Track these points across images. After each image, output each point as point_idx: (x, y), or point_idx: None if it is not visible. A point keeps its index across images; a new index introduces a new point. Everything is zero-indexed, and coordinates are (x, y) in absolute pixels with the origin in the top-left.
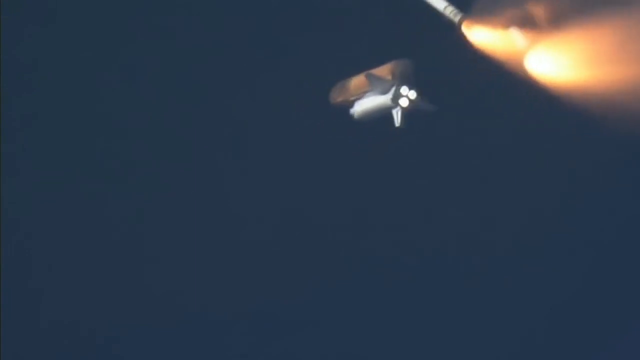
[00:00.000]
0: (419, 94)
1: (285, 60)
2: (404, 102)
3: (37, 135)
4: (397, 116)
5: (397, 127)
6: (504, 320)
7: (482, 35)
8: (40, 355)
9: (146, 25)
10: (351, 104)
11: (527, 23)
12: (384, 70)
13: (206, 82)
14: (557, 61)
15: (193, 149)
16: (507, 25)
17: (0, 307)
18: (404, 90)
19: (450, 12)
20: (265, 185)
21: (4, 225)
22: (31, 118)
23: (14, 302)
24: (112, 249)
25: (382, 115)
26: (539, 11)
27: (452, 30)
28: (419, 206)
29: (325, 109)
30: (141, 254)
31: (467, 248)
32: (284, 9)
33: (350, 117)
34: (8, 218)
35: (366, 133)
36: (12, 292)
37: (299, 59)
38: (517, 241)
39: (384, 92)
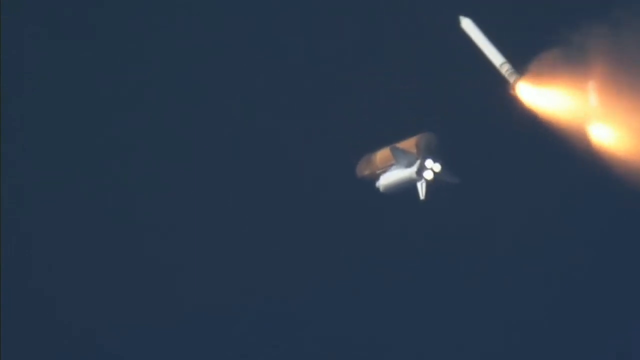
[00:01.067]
0: (442, 166)
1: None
2: (428, 175)
3: (37, 135)
4: (421, 189)
5: (422, 200)
6: (503, 320)
7: (541, 96)
8: (40, 355)
9: (146, 26)
10: (377, 177)
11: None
12: (409, 144)
13: (206, 82)
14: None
15: (193, 149)
16: (569, 87)
17: (0, 307)
18: (429, 163)
19: (506, 70)
20: (265, 185)
21: (4, 225)
22: (31, 118)
23: (14, 302)
24: (112, 248)
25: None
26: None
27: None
28: (419, 206)
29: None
30: (141, 254)
31: (467, 248)
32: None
33: (377, 189)
34: (8, 218)
35: None
36: (12, 291)
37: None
38: (517, 241)
39: (409, 165)
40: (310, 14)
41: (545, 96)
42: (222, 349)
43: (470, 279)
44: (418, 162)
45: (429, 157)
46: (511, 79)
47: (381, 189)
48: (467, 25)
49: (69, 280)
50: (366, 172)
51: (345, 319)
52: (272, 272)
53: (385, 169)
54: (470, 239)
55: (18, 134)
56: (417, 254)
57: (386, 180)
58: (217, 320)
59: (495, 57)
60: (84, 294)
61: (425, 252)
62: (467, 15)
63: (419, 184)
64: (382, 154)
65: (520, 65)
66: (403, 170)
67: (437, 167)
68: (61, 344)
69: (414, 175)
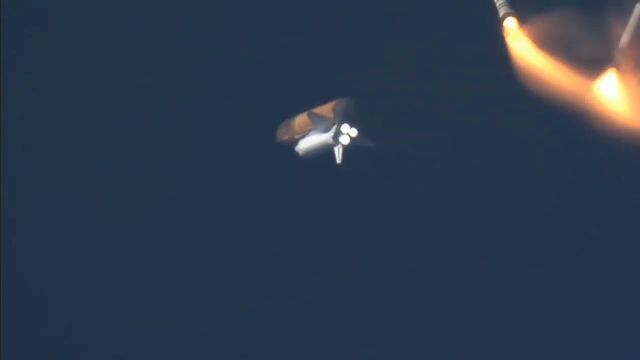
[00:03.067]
0: (359, 131)
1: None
2: (344, 140)
3: (37, 135)
4: (338, 153)
5: (338, 164)
6: (503, 319)
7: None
8: (40, 355)
9: (146, 26)
10: (297, 141)
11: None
12: (326, 109)
13: (206, 82)
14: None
15: (193, 149)
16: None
17: (0, 307)
18: (345, 128)
19: (499, 3)
20: (264, 185)
21: (4, 225)
22: (31, 118)
23: (14, 302)
24: (112, 248)
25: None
26: None
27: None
28: (418, 206)
29: None
30: (141, 254)
31: (467, 248)
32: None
33: (296, 154)
34: (8, 218)
35: None
36: (12, 291)
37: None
38: (517, 241)
39: (327, 130)
40: None
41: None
42: (221, 350)
43: (470, 279)
44: (335, 127)
45: (345, 122)
46: (501, 12)
47: (300, 153)
48: None
49: (69, 280)
50: (286, 137)
51: (345, 319)
52: (271, 272)
53: (304, 134)
54: (470, 239)
55: (18, 134)
56: (417, 254)
57: (305, 144)
58: (217, 320)
59: None
60: (84, 293)
61: (425, 252)
62: None
63: (335, 149)
64: (301, 120)
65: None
66: (320, 135)
67: (354, 132)
68: (61, 344)
69: (331, 140)
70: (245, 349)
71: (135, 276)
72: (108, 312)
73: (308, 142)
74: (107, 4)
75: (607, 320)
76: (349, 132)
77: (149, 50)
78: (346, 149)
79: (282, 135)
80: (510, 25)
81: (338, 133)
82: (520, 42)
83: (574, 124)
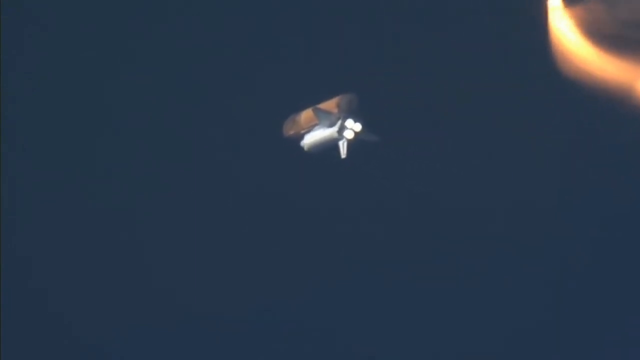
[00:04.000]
0: (363, 125)
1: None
2: (349, 135)
3: (37, 135)
4: (342, 148)
5: (343, 158)
6: (503, 320)
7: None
8: (40, 355)
9: (147, 26)
10: (302, 136)
11: None
12: (330, 104)
13: (206, 82)
14: None
15: (193, 149)
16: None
17: (0, 308)
18: (349, 123)
19: None
20: (271, 178)
21: (4, 225)
22: (31, 118)
23: (14, 302)
24: (112, 248)
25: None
26: None
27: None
28: (422, 202)
29: None
30: (141, 254)
31: (467, 248)
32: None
33: (302, 148)
34: (8, 218)
35: None
36: (12, 291)
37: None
38: (517, 241)
39: (331, 125)
40: None
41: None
42: (219, 351)
43: (470, 279)
44: (339, 122)
45: (349, 117)
46: None
47: (306, 147)
48: None
49: (68, 281)
50: (292, 132)
51: (344, 320)
52: (271, 272)
53: (309, 129)
54: (470, 239)
55: (18, 134)
56: (417, 255)
57: (310, 139)
58: (217, 321)
59: None
60: (83, 294)
61: (424, 253)
62: None
63: (340, 143)
64: (306, 115)
65: None
66: (325, 130)
67: (357, 127)
68: (61, 344)
69: (336, 135)
70: (250, 346)
71: (136, 276)
72: (108, 312)
73: (313, 137)
74: (107, 4)
75: (607, 320)
76: (353, 127)
77: (150, 50)
78: (350, 144)
79: (289, 130)
80: (555, 3)
81: (342, 128)
82: (563, 24)
83: (619, 115)
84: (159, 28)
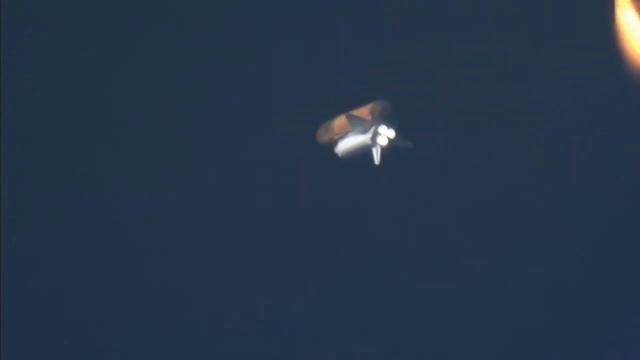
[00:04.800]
0: (397, 132)
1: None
2: (382, 141)
3: (37, 135)
4: (376, 154)
5: (376, 165)
6: (503, 320)
7: None
8: (40, 355)
9: (147, 25)
10: (336, 142)
11: None
12: (364, 111)
13: (206, 82)
14: None
15: (193, 149)
16: None
17: (0, 308)
18: (382, 129)
19: None
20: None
21: (4, 225)
22: (31, 118)
23: (14, 303)
24: (112, 248)
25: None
26: None
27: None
28: (418, 207)
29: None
30: (141, 255)
31: (467, 248)
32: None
33: (336, 155)
34: (8, 218)
35: None
36: (12, 292)
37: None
38: (517, 241)
39: (365, 132)
40: None
41: None
42: (221, 350)
43: (470, 279)
44: (372, 128)
45: (383, 124)
46: None
47: (339, 154)
48: None
49: (69, 281)
50: (325, 138)
51: (344, 321)
52: (271, 273)
53: (342, 135)
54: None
55: (18, 134)
56: (416, 256)
57: (344, 146)
58: (218, 321)
59: None
60: (84, 294)
61: (424, 254)
62: None
63: (373, 149)
64: (340, 121)
65: None
66: (359, 136)
67: (391, 133)
68: (61, 344)
69: (369, 141)
70: (252, 347)
71: (136, 276)
72: (108, 312)
73: (347, 144)
74: (107, 4)
75: (607, 320)
76: (386, 134)
77: (150, 50)
78: (384, 150)
79: (322, 136)
80: None
81: (376, 134)
82: (632, 17)
83: None
84: (160, 28)
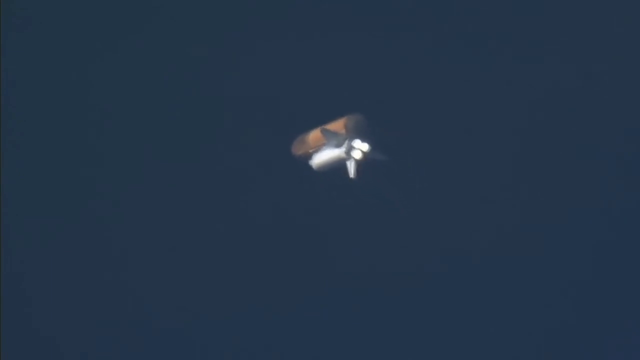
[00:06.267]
0: (371, 145)
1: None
2: (356, 154)
3: (37, 135)
4: (351, 167)
5: (351, 178)
6: (503, 321)
7: None
8: (40, 355)
9: (147, 25)
10: (311, 155)
11: None
12: (338, 125)
13: (207, 84)
14: None
15: (193, 149)
16: None
17: (1, 308)
18: (357, 143)
19: None
20: (264, 187)
21: (4, 225)
22: (31, 118)
23: (14, 302)
24: (113, 249)
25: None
26: None
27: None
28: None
29: None
30: (141, 256)
31: (466, 248)
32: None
33: (310, 168)
34: (8, 218)
35: None
36: (12, 293)
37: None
38: (517, 241)
39: (339, 145)
40: None
41: None
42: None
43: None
44: (346, 142)
45: (357, 138)
46: None
47: (314, 167)
48: None
49: (69, 281)
50: (300, 152)
51: (344, 324)
52: (271, 277)
53: (317, 149)
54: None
55: (18, 133)
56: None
57: (318, 159)
58: (217, 322)
59: None
60: (84, 294)
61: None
62: None
63: (348, 163)
64: (314, 135)
65: None
66: (333, 150)
67: (365, 147)
68: (61, 344)
69: (343, 155)
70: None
71: (136, 278)
72: (109, 312)
73: (322, 157)
74: (107, 4)
75: (608, 324)
76: (360, 147)
77: (150, 49)
78: (359, 163)
79: (297, 149)
80: None
81: (350, 148)
82: None
83: None
84: (161, 28)
